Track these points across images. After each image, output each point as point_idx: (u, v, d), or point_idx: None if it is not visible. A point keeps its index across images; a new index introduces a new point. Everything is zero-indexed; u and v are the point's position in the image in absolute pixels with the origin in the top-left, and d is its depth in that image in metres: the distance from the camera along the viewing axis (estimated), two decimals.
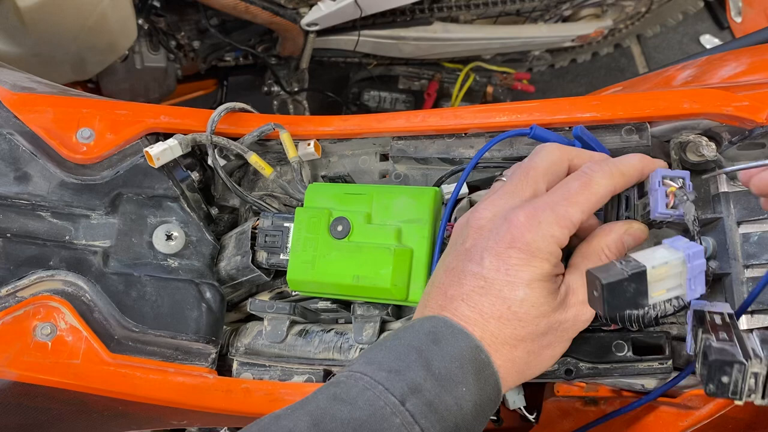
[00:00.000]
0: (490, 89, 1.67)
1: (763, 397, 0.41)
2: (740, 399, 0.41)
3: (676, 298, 0.47)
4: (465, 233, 0.50)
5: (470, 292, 0.47)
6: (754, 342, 0.44)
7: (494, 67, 1.67)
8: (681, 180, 0.49)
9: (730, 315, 0.47)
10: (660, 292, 0.44)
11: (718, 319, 0.46)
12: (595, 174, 0.48)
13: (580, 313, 0.48)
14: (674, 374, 0.53)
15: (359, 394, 0.43)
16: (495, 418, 0.72)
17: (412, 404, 0.43)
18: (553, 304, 0.47)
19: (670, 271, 0.44)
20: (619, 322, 0.53)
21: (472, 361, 0.45)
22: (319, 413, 0.43)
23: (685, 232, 0.49)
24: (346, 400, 0.43)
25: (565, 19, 1.59)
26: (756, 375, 0.41)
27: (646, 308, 0.50)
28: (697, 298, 0.46)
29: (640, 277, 0.43)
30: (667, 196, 0.48)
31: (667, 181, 0.49)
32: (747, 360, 0.41)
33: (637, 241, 0.50)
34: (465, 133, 0.63)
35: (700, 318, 0.46)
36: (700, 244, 0.46)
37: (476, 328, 0.46)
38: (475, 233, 0.49)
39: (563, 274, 0.49)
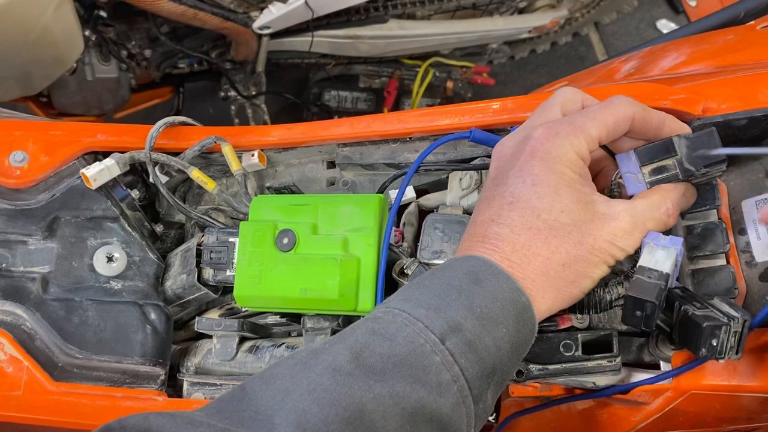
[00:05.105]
0: (450, 84, 1.66)
1: (737, 352, 0.45)
2: (723, 358, 0.45)
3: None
4: (491, 167, 0.51)
5: (499, 210, 0.47)
6: (722, 305, 0.47)
7: (453, 62, 1.67)
8: None
9: (684, 288, 0.50)
10: None
11: (679, 291, 0.49)
12: (616, 98, 0.49)
13: (617, 237, 0.47)
14: (623, 370, 0.53)
15: (398, 330, 0.42)
16: None
17: (452, 343, 0.42)
18: (586, 214, 0.46)
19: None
20: (578, 310, 0.54)
21: (513, 303, 0.44)
22: (359, 347, 0.42)
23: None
24: (385, 335, 0.42)
25: (520, 11, 1.59)
26: (735, 334, 0.45)
27: (601, 293, 0.52)
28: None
29: (667, 282, 0.46)
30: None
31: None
32: (730, 321, 0.45)
33: (689, 203, 0.52)
34: (410, 138, 0.63)
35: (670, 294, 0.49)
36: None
37: (506, 243, 0.46)
38: (498, 162, 0.50)
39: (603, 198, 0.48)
